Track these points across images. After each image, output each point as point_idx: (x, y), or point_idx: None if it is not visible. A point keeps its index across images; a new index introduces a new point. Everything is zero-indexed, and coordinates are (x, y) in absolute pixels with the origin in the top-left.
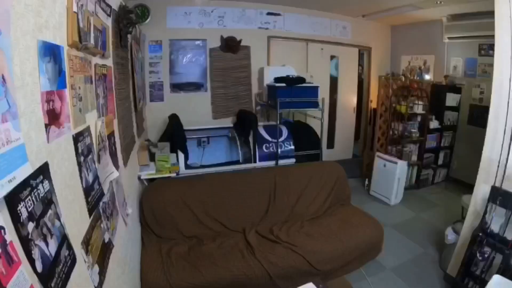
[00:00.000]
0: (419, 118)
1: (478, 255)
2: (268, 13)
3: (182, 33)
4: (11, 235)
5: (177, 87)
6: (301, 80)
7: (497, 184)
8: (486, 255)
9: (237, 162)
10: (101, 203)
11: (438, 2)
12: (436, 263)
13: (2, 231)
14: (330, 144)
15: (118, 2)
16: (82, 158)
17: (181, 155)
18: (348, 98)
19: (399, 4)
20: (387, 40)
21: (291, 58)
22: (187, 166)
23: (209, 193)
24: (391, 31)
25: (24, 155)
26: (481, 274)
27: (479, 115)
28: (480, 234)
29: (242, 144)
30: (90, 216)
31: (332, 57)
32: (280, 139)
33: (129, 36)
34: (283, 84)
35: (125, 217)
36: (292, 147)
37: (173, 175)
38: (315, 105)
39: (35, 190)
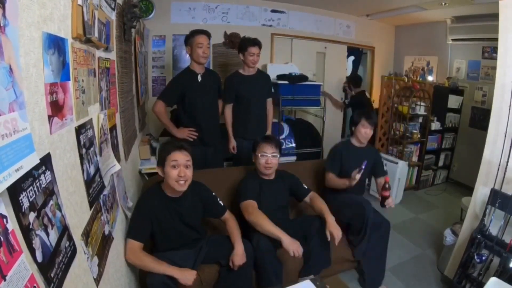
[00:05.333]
0: (420, 119)
1: (476, 257)
2: (272, 11)
3: (185, 28)
4: (12, 224)
5: None
6: (304, 78)
7: (497, 187)
8: (484, 258)
9: None
10: (101, 196)
11: (443, 3)
12: (433, 264)
13: (4, 219)
14: None
15: None
16: (84, 151)
17: None
18: None
19: (403, 4)
20: (391, 40)
21: (294, 56)
22: None
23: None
24: (395, 31)
25: (31, 145)
26: (479, 276)
27: (480, 117)
28: (479, 236)
29: None
30: (90, 208)
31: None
32: (281, 137)
33: (132, 30)
34: (286, 82)
35: (126, 210)
36: (293, 144)
37: None
38: (317, 103)
39: (37, 180)
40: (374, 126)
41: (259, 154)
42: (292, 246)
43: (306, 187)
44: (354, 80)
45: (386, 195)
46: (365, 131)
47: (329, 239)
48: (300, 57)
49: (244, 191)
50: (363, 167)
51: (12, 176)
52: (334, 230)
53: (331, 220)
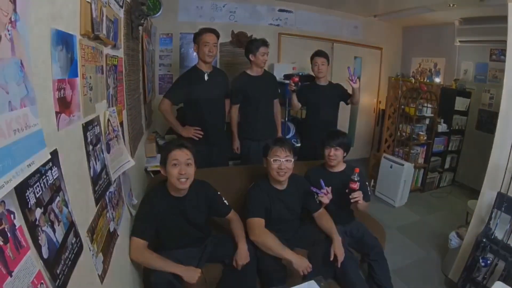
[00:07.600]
0: (427, 121)
1: (480, 261)
2: (280, 10)
3: (193, 27)
4: (19, 221)
5: None
6: (311, 77)
7: (503, 191)
8: (489, 262)
9: None
10: (107, 193)
11: (451, 5)
12: (438, 267)
13: (12, 215)
14: None
15: None
16: (90, 147)
17: None
18: None
19: (411, 5)
20: (399, 41)
21: (301, 55)
22: None
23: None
24: (403, 32)
25: (42, 141)
26: (483, 280)
27: (488, 120)
28: (484, 240)
29: None
30: (96, 205)
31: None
32: (287, 136)
33: (140, 28)
34: None
35: (130, 208)
36: (299, 144)
37: None
38: None
39: (43, 176)
40: (344, 145)
41: (272, 159)
42: (302, 266)
43: (318, 202)
44: None
45: (354, 188)
46: (328, 153)
47: (331, 258)
48: (307, 57)
49: (251, 206)
50: (323, 186)
51: (24, 171)
52: (339, 252)
53: (337, 241)
